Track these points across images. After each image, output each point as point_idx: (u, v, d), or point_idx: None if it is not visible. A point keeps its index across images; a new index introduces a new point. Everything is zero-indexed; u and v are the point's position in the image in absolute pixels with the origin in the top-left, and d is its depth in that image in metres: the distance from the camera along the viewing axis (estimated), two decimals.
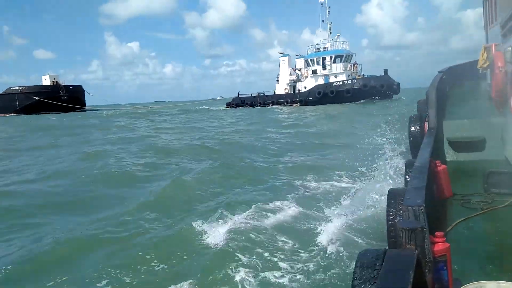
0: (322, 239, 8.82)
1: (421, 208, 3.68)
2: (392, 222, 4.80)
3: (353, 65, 70.55)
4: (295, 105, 69.56)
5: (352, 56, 72.76)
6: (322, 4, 73.56)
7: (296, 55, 78.32)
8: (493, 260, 4.96)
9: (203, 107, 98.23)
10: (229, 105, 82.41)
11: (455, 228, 5.82)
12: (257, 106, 75.89)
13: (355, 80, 65.64)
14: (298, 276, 7.29)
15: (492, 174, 7.20)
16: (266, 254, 8.13)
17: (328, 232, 9.09)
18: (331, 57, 71.18)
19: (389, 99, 64.87)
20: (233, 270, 7.47)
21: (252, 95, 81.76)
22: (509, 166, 8.17)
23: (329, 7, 73.63)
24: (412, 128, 9.65)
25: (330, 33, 74.87)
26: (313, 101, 67.19)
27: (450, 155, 9.71)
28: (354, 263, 3.35)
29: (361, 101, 63.15)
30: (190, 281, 7.20)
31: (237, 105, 79.89)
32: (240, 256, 8.04)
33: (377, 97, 64.31)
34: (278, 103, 73.27)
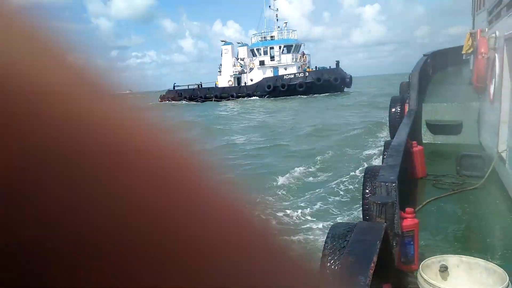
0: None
1: (393, 184, 3.81)
2: (367, 198, 4.97)
3: (302, 56, 64.85)
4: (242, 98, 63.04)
5: (301, 46, 66.49)
6: None
7: (239, 43, 69.83)
8: (459, 238, 5.20)
9: None
10: (163, 98, 68.33)
11: (426, 206, 6.05)
12: (197, 100, 66.57)
13: (307, 73, 60.32)
14: None
15: (464, 157, 7.44)
16: None
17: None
18: (280, 47, 64.17)
19: (340, 92, 61.77)
20: None
21: (189, 86, 71.19)
22: (482, 150, 8.44)
23: None
24: (393, 110, 9.81)
25: (277, 20, 68.32)
26: (262, 95, 60.99)
27: (428, 136, 9.94)
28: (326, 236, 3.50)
29: (315, 95, 58.76)
30: None
31: (173, 99, 68.13)
32: None
33: (330, 92, 60.04)
34: (222, 97, 64.81)
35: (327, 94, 58.75)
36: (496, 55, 7.83)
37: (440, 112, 9.97)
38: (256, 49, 65.88)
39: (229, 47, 68.41)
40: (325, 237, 3.48)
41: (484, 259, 4.00)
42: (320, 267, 3.17)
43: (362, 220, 5.21)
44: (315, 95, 58.54)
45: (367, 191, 5.07)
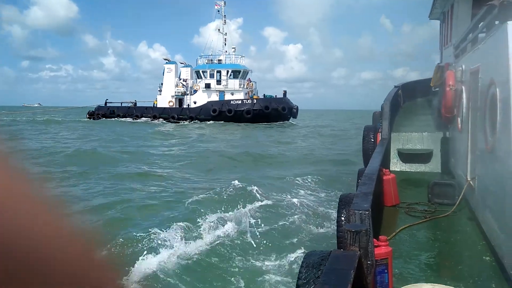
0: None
1: (367, 212, 3.84)
2: (342, 225, 4.97)
3: (249, 83, 63.08)
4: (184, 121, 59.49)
5: (248, 72, 64.40)
6: (218, 11, 65.64)
7: (181, 63, 66.48)
8: (431, 266, 5.25)
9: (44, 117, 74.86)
10: (92, 115, 66.38)
11: (399, 234, 6.10)
12: (132, 118, 62.48)
13: (255, 101, 58.12)
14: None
15: (436, 185, 7.62)
16: None
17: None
18: (227, 71, 61.75)
19: (286, 122, 60.39)
20: None
21: (123, 104, 66.85)
22: (453, 178, 8.66)
23: (225, 15, 66.34)
24: (366, 138, 10.02)
25: (225, 44, 65.63)
26: (206, 119, 58.07)
27: (398, 165, 10.16)
28: (300, 264, 3.46)
29: (263, 123, 55.94)
30: None
31: (104, 116, 64.48)
32: None
33: (276, 121, 58.32)
34: (160, 118, 61.01)
35: (277, 122, 57.52)
36: (463, 87, 8.18)
37: (411, 141, 10.24)
38: (202, 71, 62.64)
39: (172, 66, 64.61)
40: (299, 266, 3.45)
41: (456, 287, 4.04)
42: None
43: (336, 247, 5.20)
44: (263, 123, 55.78)
45: (342, 218, 5.08)
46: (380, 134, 9.54)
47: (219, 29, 65.68)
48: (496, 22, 5.53)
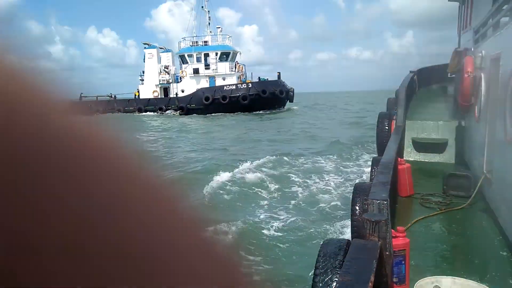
0: None
1: (385, 202, 3.71)
2: (357, 214, 4.85)
3: (238, 66, 56.42)
4: (175, 113, 52.54)
5: (237, 54, 57.58)
6: None
7: (161, 48, 58.40)
8: (447, 259, 5.12)
9: None
10: None
11: (414, 225, 5.97)
12: (113, 113, 52.31)
13: (250, 85, 51.43)
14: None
15: (451, 177, 7.43)
16: None
17: None
18: (216, 54, 54.61)
19: (283, 107, 55.21)
20: None
21: (99, 97, 54.83)
22: (468, 169, 8.46)
23: None
24: (380, 126, 9.81)
25: (209, 23, 57.87)
26: (198, 108, 51.35)
27: (413, 154, 9.96)
28: (317, 253, 3.34)
29: (261, 111, 51.24)
30: None
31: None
32: None
33: (274, 106, 53.06)
34: (146, 110, 53.48)
35: (275, 109, 52.38)
36: (482, 74, 7.90)
37: (426, 130, 10.01)
38: (188, 55, 55.09)
39: (154, 51, 56.66)
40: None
41: (475, 281, 3.91)
42: (312, 287, 3.02)
43: (350, 236, 5.09)
44: (260, 111, 51.13)
45: (356, 207, 4.95)
46: (394, 121, 9.34)
47: (202, 6, 57.67)
48: None
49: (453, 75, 11.62)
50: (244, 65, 57.49)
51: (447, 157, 9.70)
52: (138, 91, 56.68)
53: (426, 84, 14.09)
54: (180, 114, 51.26)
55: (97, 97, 54.15)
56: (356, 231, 4.59)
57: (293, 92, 54.89)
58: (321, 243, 3.41)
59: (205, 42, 56.35)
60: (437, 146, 9.80)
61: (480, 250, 5.39)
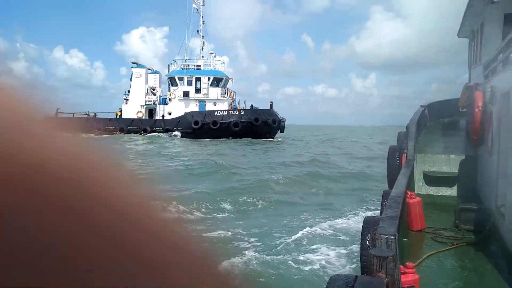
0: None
1: (393, 237, 3.69)
2: (365, 249, 4.81)
3: (230, 92, 56.10)
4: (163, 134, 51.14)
5: (229, 81, 57.02)
6: (198, 10, 57.35)
7: (149, 69, 57.29)
8: None
9: None
10: None
11: (425, 260, 5.87)
12: (93, 133, 47.67)
13: (243, 112, 50.99)
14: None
15: (463, 211, 7.34)
16: None
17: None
18: (208, 79, 54.27)
19: (272, 138, 53.26)
20: None
21: (75, 115, 49.41)
22: (481, 204, 8.34)
23: (203, 20, 57.72)
24: (390, 159, 9.80)
25: (202, 48, 57.66)
26: (186, 132, 50.35)
27: (425, 188, 9.87)
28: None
29: (257, 139, 49.45)
30: None
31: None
32: None
33: (265, 136, 51.33)
34: (129, 131, 51.27)
35: (267, 139, 50.69)
36: (493, 109, 7.93)
37: (437, 164, 9.96)
38: (179, 77, 54.49)
39: (142, 71, 55.24)
40: None
41: None
42: None
43: (360, 272, 5.03)
44: (250, 139, 49.03)
45: (366, 242, 4.92)
46: (405, 155, 9.32)
47: (198, 31, 57.63)
48: None
49: (464, 109, 11.64)
50: (235, 92, 57.29)
51: (459, 190, 9.60)
52: (121, 111, 54.66)
53: (437, 118, 14.10)
54: (167, 136, 49.95)
55: (73, 114, 49.23)
56: (364, 266, 4.55)
57: (284, 122, 53.96)
58: (329, 279, 3.40)
59: (198, 66, 56.21)
60: (448, 180, 9.71)
61: (493, 287, 5.27)
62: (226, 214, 13.32)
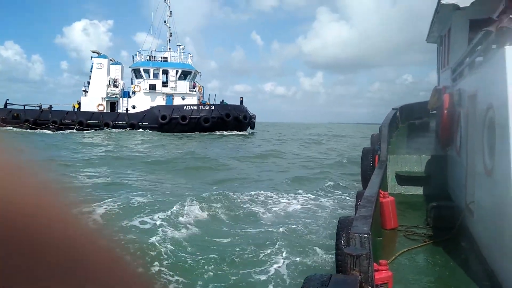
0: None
1: (366, 235, 3.80)
2: (340, 248, 4.92)
3: (198, 87, 53.85)
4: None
5: (197, 75, 54.86)
6: (165, 1, 55.10)
7: (111, 60, 53.07)
8: None
9: None
10: None
11: (398, 258, 6.04)
12: (48, 128, 46.84)
13: (213, 107, 49.54)
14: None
15: (434, 209, 7.59)
16: None
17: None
18: (176, 72, 51.75)
19: (244, 132, 52.83)
20: None
21: (26, 107, 49.13)
22: (451, 202, 8.64)
23: (170, 10, 55.10)
24: (364, 160, 10.03)
25: (169, 40, 55.19)
26: (151, 127, 47.99)
27: (397, 187, 10.14)
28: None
29: (227, 132, 49.23)
30: None
31: (4, 122, 45.81)
32: None
33: (236, 131, 50.40)
34: (88, 126, 47.33)
35: (239, 132, 50.16)
36: (461, 110, 8.24)
37: (409, 164, 10.25)
38: (144, 69, 51.77)
39: (104, 61, 51.41)
40: None
41: None
42: None
43: (335, 270, 5.14)
44: (218, 132, 48.65)
45: (341, 241, 5.04)
46: (378, 156, 9.55)
47: (165, 21, 55.09)
48: (493, 46, 5.59)
49: (434, 111, 12.02)
50: (203, 86, 55.71)
51: (431, 189, 9.90)
52: (79, 103, 51.04)
53: (408, 120, 14.52)
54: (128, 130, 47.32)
55: (24, 106, 49.36)
56: (340, 266, 4.66)
57: (255, 118, 53.81)
58: (304, 278, 3.47)
59: (165, 58, 53.63)
60: (420, 179, 10.01)
61: (463, 282, 5.46)
62: None
